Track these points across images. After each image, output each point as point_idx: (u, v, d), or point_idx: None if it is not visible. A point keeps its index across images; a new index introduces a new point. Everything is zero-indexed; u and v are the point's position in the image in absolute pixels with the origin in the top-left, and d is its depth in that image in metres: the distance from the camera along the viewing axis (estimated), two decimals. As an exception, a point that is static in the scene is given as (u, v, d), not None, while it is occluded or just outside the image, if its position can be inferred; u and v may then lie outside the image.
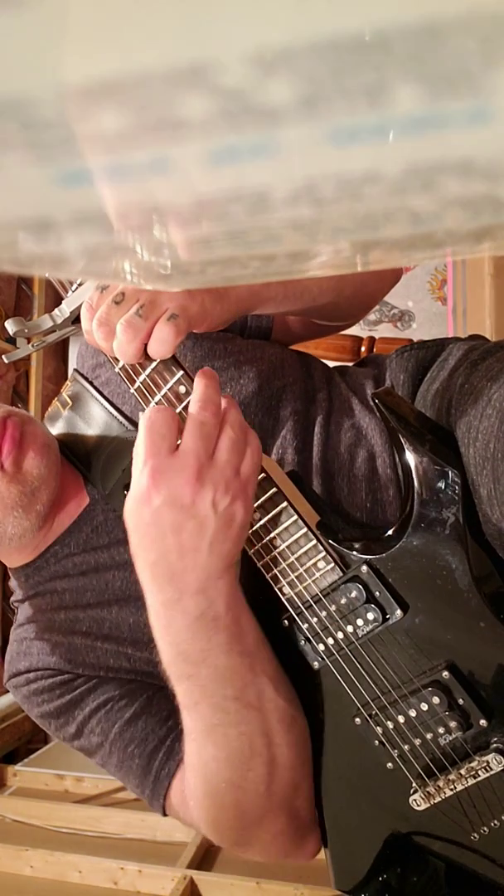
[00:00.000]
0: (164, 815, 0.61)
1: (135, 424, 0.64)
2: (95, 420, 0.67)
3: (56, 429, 0.70)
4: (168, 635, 0.50)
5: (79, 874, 1.02)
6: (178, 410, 0.50)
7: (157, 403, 0.51)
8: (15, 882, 1.03)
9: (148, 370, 0.50)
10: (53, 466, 0.62)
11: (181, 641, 0.49)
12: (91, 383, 0.68)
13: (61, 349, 2.08)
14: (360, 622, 0.51)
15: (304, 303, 0.61)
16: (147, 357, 0.49)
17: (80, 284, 0.54)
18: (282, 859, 0.60)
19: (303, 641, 0.55)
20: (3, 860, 1.05)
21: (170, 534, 0.46)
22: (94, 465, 0.66)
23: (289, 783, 0.54)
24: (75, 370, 0.71)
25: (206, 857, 1.03)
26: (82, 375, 0.69)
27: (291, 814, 0.55)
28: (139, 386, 0.51)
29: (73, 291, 0.55)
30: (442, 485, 0.48)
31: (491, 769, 0.49)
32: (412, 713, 0.51)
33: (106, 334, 0.48)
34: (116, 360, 0.51)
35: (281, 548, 0.53)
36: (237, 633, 0.50)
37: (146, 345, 0.48)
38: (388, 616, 0.50)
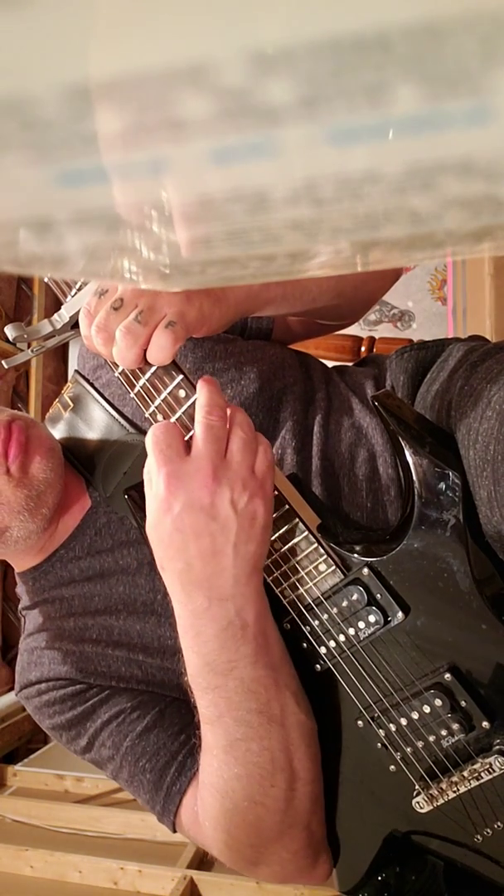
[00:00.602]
0: (174, 831, 0.59)
1: (136, 427, 0.64)
2: (97, 422, 0.67)
3: (57, 431, 0.70)
4: (196, 645, 0.49)
5: (79, 874, 1.02)
6: (178, 414, 0.50)
7: (156, 408, 0.51)
8: (15, 882, 1.03)
9: (147, 375, 0.50)
10: (58, 469, 0.63)
11: (209, 652, 0.49)
12: (92, 385, 0.68)
13: (61, 350, 2.09)
14: (361, 625, 0.51)
15: (304, 304, 0.61)
16: (146, 362, 0.49)
17: (78, 289, 0.54)
18: (296, 879, 0.58)
19: (305, 645, 0.54)
20: (3, 860, 1.05)
21: (193, 539, 0.46)
22: (96, 467, 0.66)
23: (308, 797, 0.53)
24: (76, 371, 0.71)
25: (205, 857, 1.03)
26: (83, 377, 0.69)
27: (309, 830, 0.54)
28: (139, 390, 0.51)
29: (72, 296, 0.55)
30: (442, 487, 0.48)
31: (494, 771, 0.49)
32: (415, 715, 0.51)
33: (105, 340, 0.48)
34: (116, 364, 0.51)
35: (282, 551, 0.52)
36: (264, 645, 0.50)
37: (146, 350, 0.48)
38: (389, 618, 0.50)
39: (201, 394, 0.48)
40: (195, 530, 0.46)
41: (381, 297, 0.75)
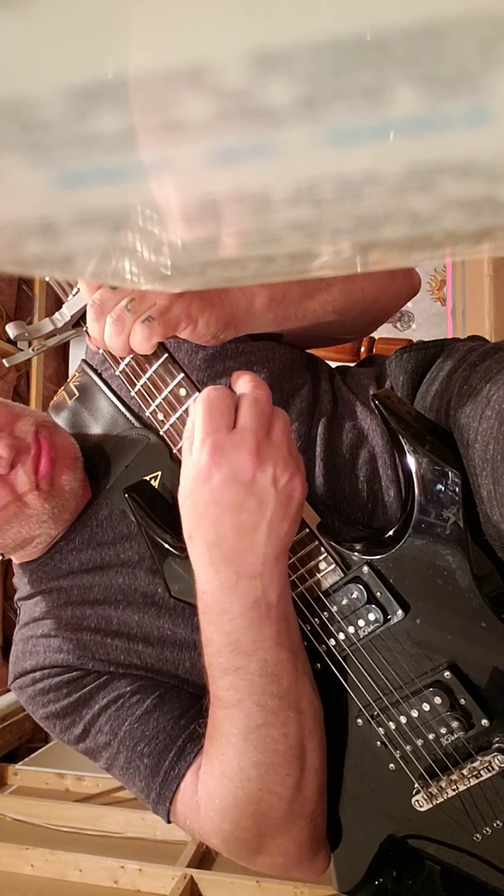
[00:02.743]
0: (168, 821, 0.58)
1: (140, 421, 0.64)
2: (101, 414, 0.67)
3: (60, 419, 0.70)
4: (221, 623, 0.48)
5: (79, 873, 1.02)
6: (178, 413, 0.50)
7: (157, 406, 0.51)
8: (16, 881, 1.03)
9: (149, 373, 0.51)
10: (82, 477, 0.64)
11: (234, 630, 0.48)
12: (100, 376, 0.68)
13: (62, 351, 2.09)
14: (361, 623, 0.51)
15: (308, 321, 0.61)
16: (146, 358, 0.49)
17: (80, 289, 0.55)
18: (294, 871, 0.57)
19: (304, 643, 0.55)
20: (3, 859, 1.05)
21: (230, 512, 0.46)
22: (97, 459, 0.66)
23: (317, 786, 0.53)
24: (84, 361, 0.71)
25: (206, 855, 1.03)
26: (91, 367, 0.69)
27: (314, 822, 0.54)
28: (139, 389, 0.52)
29: (73, 295, 0.55)
30: (442, 485, 0.48)
31: (493, 769, 0.49)
32: (414, 714, 0.51)
33: (97, 314, 0.48)
34: (117, 361, 0.52)
35: (282, 548, 0.52)
36: (286, 628, 0.50)
37: None
38: (389, 616, 0.50)
39: (243, 373, 0.49)
40: (233, 503, 0.45)
41: (396, 312, 0.74)
